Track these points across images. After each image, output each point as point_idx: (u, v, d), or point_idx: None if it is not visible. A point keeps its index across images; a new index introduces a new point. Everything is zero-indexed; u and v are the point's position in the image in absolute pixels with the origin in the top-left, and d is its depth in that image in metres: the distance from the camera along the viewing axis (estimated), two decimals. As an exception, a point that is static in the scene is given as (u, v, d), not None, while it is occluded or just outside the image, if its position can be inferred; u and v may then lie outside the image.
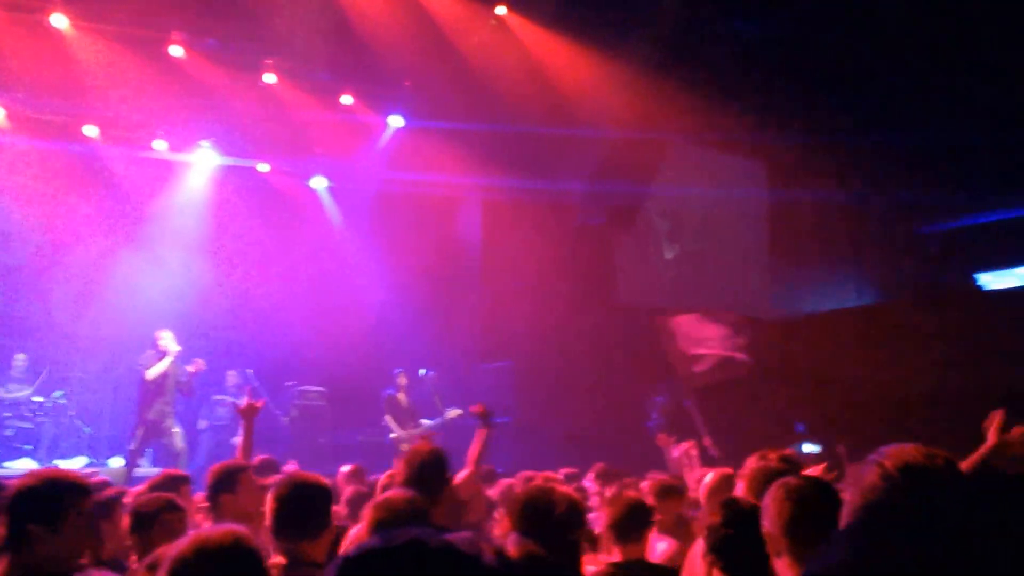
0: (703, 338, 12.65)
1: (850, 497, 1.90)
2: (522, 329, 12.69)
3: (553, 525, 2.98)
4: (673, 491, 4.86)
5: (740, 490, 3.35)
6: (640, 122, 12.33)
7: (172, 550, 2.56)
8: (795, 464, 3.49)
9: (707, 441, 10.46)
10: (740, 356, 11.65)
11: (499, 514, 5.91)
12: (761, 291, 14.59)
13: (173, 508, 3.74)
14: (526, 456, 9.84)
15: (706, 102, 11.79)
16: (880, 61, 12.09)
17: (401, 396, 11.68)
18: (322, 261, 13.43)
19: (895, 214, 13.79)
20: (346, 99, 12.21)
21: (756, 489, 3.17)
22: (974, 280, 14.22)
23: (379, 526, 3.03)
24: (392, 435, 11.34)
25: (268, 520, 3.24)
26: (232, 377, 12.14)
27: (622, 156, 13.10)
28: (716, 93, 11.72)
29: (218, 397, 12.03)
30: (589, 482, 6.55)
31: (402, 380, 11.70)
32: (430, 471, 3.87)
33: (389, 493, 3.21)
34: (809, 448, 11.03)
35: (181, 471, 5.42)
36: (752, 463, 3.48)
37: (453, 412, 11.63)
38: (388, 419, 11.51)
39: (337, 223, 13.89)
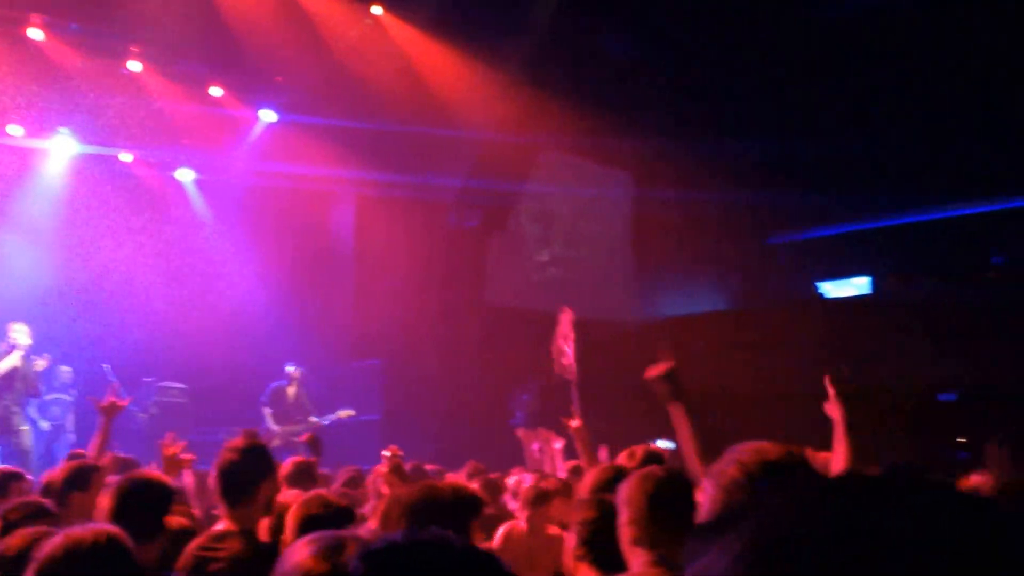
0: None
1: (711, 492, 1.93)
2: (393, 327, 12.76)
3: (445, 518, 2.76)
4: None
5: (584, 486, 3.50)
6: (512, 127, 12.62)
7: (41, 550, 2.57)
8: (660, 459, 3.66)
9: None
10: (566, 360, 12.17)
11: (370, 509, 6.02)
12: (626, 295, 15.14)
13: (43, 515, 3.58)
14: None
15: (575, 111, 12.18)
16: (737, 79, 12.80)
17: (291, 390, 11.28)
18: (188, 255, 13.09)
19: (747, 225, 14.56)
20: (215, 91, 11.99)
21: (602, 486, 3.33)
22: (816, 289, 15.24)
23: (308, 523, 2.88)
24: (268, 429, 10.98)
25: (103, 517, 3.15)
26: (65, 374, 11.62)
27: (495, 159, 13.37)
28: (584, 103, 12.13)
29: (52, 396, 11.49)
30: (462, 479, 6.64)
31: (295, 373, 11.32)
32: (242, 467, 3.50)
33: (320, 489, 3.15)
34: (664, 444, 11.56)
35: (15, 469, 5.24)
36: (624, 460, 3.63)
37: (344, 412, 11.38)
38: (266, 412, 11.09)
39: (204, 216, 13.58)
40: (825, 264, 14.98)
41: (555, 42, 11.84)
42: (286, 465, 5.04)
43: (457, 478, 6.68)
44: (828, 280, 15.09)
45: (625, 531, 2.49)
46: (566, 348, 12.92)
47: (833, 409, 3.85)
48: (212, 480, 3.59)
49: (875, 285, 14.59)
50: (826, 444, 4.58)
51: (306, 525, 2.85)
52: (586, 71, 12.20)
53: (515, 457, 8.05)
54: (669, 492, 2.51)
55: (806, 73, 12.48)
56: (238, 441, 3.62)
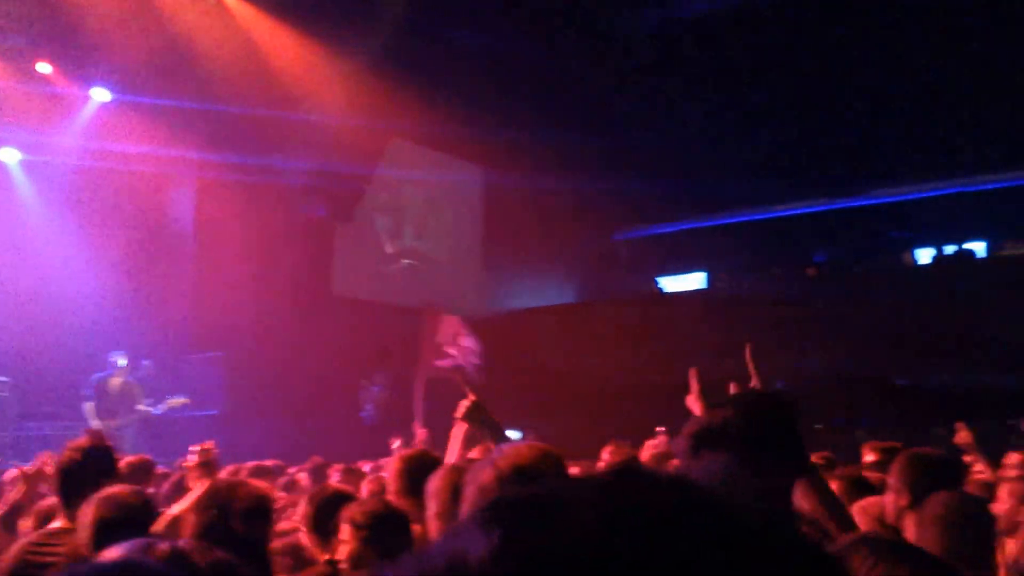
0: (456, 341, 13.15)
1: (469, 493, 1.91)
2: (237, 317, 12.41)
3: (238, 521, 2.73)
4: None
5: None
6: (362, 114, 12.50)
7: None
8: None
9: (419, 431, 10.79)
10: (475, 367, 12.39)
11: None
12: (475, 288, 15.30)
13: None
14: (236, 449, 9.70)
15: (426, 100, 12.20)
16: (586, 74, 13.14)
17: (115, 381, 10.70)
18: (12, 240, 12.28)
19: (593, 220, 15.00)
20: (43, 67, 11.31)
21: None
22: (656, 283, 15.91)
23: (102, 524, 2.81)
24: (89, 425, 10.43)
25: None
26: None
27: (344, 147, 13.20)
28: (436, 93, 12.16)
29: None
30: (303, 476, 6.50)
31: (121, 362, 10.74)
32: (83, 467, 3.44)
33: (114, 488, 3.05)
34: (512, 434, 11.76)
35: None
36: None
37: (176, 400, 10.94)
38: (88, 407, 10.49)
39: (30, 199, 12.77)
40: (664, 260, 15.65)
41: (407, 31, 11.80)
42: (121, 464, 4.85)
43: (300, 473, 6.60)
44: (667, 275, 15.78)
45: (432, 525, 2.40)
46: (454, 352, 12.98)
47: (695, 403, 4.00)
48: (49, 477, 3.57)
49: (710, 280, 15.37)
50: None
51: (100, 527, 2.78)
52: (438, 61, 12.23)
53: (364, 450, 8.04)
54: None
55: (651, 70, 12.95)
56: (82, 440, 3.57)
